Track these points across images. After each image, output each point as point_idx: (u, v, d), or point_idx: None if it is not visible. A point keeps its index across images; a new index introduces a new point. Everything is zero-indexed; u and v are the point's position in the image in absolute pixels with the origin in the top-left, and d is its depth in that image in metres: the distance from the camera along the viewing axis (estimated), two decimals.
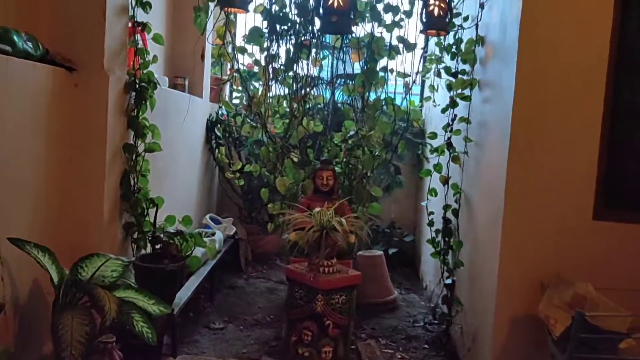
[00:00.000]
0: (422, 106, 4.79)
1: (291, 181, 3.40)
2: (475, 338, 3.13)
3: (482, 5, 3.31)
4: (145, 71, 3.08)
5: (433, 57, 3.73)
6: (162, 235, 3.22)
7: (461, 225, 3.53)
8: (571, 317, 2.38)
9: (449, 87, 3.67)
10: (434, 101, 3.72)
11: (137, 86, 3.05)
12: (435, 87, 3.82)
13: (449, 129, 3.70)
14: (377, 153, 3.39)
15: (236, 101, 5.73)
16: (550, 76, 2.68)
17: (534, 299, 2.68)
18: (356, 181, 3.47)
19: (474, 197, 3.41)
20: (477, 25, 3.38)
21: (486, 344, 2.91)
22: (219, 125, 5.10)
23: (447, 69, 3.65)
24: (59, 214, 2.73)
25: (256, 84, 5.41)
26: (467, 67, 3.66)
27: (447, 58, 3.73)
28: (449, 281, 3.50)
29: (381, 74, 3.31)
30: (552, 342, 2.50)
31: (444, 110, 3.72)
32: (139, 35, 3.13)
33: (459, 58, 3.64)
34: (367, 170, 3.43)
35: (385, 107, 3.36)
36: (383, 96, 3.36)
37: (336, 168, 3.49)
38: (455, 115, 3.68)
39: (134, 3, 3.06)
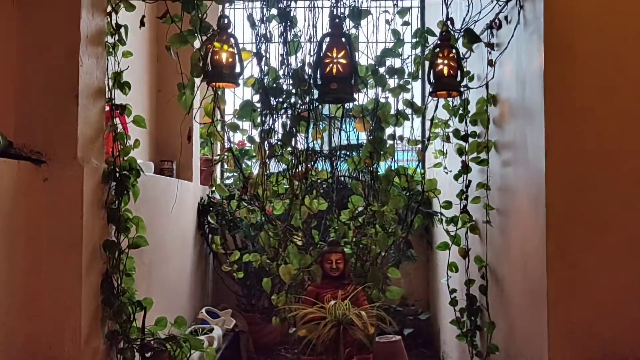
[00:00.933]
0: (424, 173, 4.48)
1: (296, 268, 3.01)
2: None
3: (490, 63, 3.05)
4: (125, 158, 2.75)
5: (437, 120, 3.44)
6: (152, 342, 2.79)
7: (491, 303, 3.13)
8: None
9: (460, 151, 3.37)
10: (445, 167, 3.40)
11: (118, 175, 2.71)
12: (445, 152, 3.51)
13: (464, 196, 3.38)
14: (391, 230, 3.03)
15: (229, 181, 5.41)
16: (584, 133, 2.39)
17: None
18: (369, 263, 3.08)
19: (502, 271, 3.03)
20: (487, 84, 3.11)
21: None
22: (211, 210, 4.74)
23: (456, 132, 3.36)
24: (27, 333, 2.32)
25: (249, 163, 5.14)
26: (477, 129, 3.38)
27: (454, 121, 3.44)
28: None
29: (389, 142, 3.00)
30: None
31: (457, 177, 3.40)
32: (117, 119, 2.82)
33: (467, 120, 3.36)
34: (381, 250, 3.06)
35: (396, 178, 3.03)
36: (393, 166, 3.03)
37: (345, 249, 3.11)
38: (470, 182, 3.36)
39: (111, 84, 2.76)
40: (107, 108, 2.78)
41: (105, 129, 2.73)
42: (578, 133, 2.38)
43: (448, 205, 3.43)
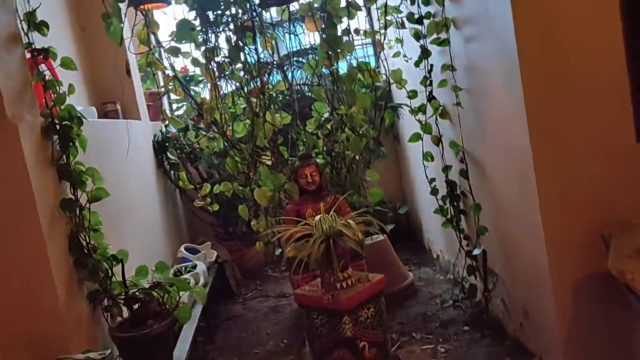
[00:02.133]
0: (379, 66, 4.29)
1: (271, 189, 2.86)
2: (528, 311, 2.69)
3: None
4: (62, 107, 2.47)
5: (382, 8, 3.20)
6: (137, 294, 2.66)
7: (473, 186, 3.07)
8: None
9: (417, 35, 3.18)
10: (404, 55, 3.21)
11: (59, 127, 2.44)
12: (401, 40, 3.31)
13: (428, 82, 3.22)
14: (362, 131, 2.87)
15: (179, 112, 5.13)
16: None
17: (594, 253, 2.26)
18: (345, 169, 2.94)
19: (481, 152, 2.95)
20: None
21: (546, 316, 2.48)
22: (167, 145, 4.49)
23: (410, 16, 3.15)
24: (1, 313, 2.14)
25: (197, 89, 4.83)
26: (431, 9, 3.17)
27: (406, 5, 3.21)
28: (476, 251, 3.04)
29: (345, 38, 2.77)
30: (638, 300, 2.07)
31: (417, 63, 3.22)
32: (43, 65, 2.51)
33: (419, 1, 3.15)
34: (355, 153, 2.91)
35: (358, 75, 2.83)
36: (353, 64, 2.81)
37: (318, 160, 2.96)
38: (432, 66, 3.20)
39: (25, 27, 2.43)
40: (28, 55, 2.46)
41: (32, 78, 2.43)
42: None
43: (414, 94, 3.28)
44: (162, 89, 4.30)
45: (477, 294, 3.38)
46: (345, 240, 2.35)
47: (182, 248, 4.07)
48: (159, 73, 4.61)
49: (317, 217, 2.40)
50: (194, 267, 3.78)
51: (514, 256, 2.76)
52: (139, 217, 3.60)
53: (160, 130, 4.59)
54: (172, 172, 4.61)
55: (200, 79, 4.62)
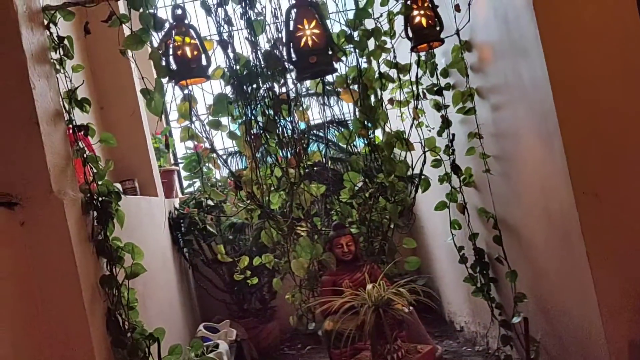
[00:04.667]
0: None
1: (308, 260, 2.81)
2: None
3: (457, 8, 2.93)
4: (101, 182, 2.46)
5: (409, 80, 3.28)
6: None
7: (507, 252, 3.05)
8: None
9: (437, 106, 3.26)
10: (427, 125, 3.28)
11: (97, 203, 2.41)
12: (423, 111, 3.38)
13: (450, 150, 3.27)
14: (398, 199, 2.87)
15: (190, 189, 5.12)
16: (585, 60, 2.30)
17: None
18: (381, 238, 2.92)
19: (514, 217, 2.95)
20: (458, 30, 2.99)
21: None
22: (181, 222, 4.45)
23: (430, 89, 3.24)
24: None
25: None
26: (450, 80, 3.27)
27: (426, 76, 3.31)
28: (516, 319, 2.98)
29: (379, 108, 2.83)
30: None
31: (440, 132, 3.28)
32: (82, 141, 2.52)
33: (437, 73, 3.25)
34: (394, 221, 2.90)
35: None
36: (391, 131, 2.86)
37: (352, 229, 2.94)
38: (454, 135, 3.26)
39: (67, 104, 2.45)
40: (69, 131, 2.47)
41: (72, 154, 2.43)
42: (581, 60, 2.29)
43: (438, 163, 3.31)
44: (170, 166, 4.32)
45: None
46: (396, 309, 2.30)
47: (201, 327, 3.95)
48: (170, 151, 4.70)
49: (369, 286, 2.35)
50: (216, 346, 3.64)
51: (559, 322, 2.71)
52: (161, 296, 3.51)
53: (175, 208, 4.56)
54: (184, 249, 4.55)
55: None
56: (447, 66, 3.13)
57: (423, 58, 3.22)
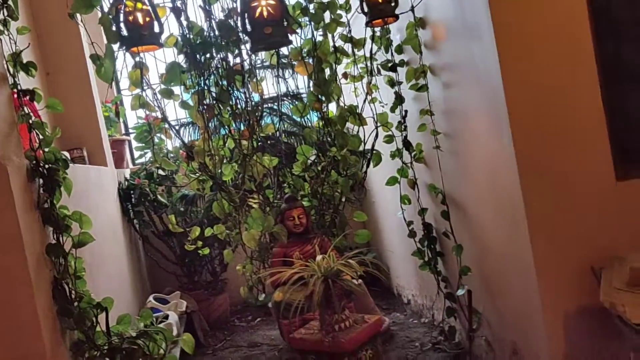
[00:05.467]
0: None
1: (259, 232, 2.83)
2: (517, 349, 2.73)
3: None
4: (48, 149, 2.40)
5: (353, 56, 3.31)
6: (121, 343, 2.53)
7: (455, 227, 3.14)
8: None
9: (391, 82, 3.30)
10: (380, 101, 3.31)
11: (44, 170, 2.36)
12: (376, 86, 3.41)
13: (403, 127, 3.32)
14: (350, 173, 2.91)
15: (141, 160, 5.04)
16: (534, 43, 2.36)
17: (585, 287, 2.35)
18: (332, 210, 2.96)
19: (462, 194, 3.04)
20: (412, 7, 3.01)
21: (538, 352, 2.52)
22: (131, 193, 4.39)
23: (385, 64, 3.27)
24: None
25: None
26: (405, 57, 3.31)
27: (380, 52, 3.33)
28: (460, 291, 3.08)
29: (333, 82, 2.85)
30: (631, 332, 2.16)
31: (393, 109, 3.33)
32: (27, 106, 2.44)
33: (392, 49, 3.28)
34: (345, 194, 2.94)
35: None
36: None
37: (304, 203, 2.97)
38: (406, 111, 3.31)
39: (12, 68, 2.36)
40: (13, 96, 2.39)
41: (17, 119, 2.35)
42: (531, 43, 2.35)
43: (390, 139, 3.36)
44: (127, 137, 4.23)
45: (456, 335, 3.41)
46: (345, 280, 2.35)
47: (151, 298, 3.93)
48: (121, 121, 4.61)
49: (319, 257, 2.39)
50: (166, 317, 3.64)
51: (500, 295, 2.82)
52: (110, 266, 3.47)
53: (125, 179, 4.49)
54: (135, 220, 4.50)
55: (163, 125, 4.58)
56: (401, 42, 3.16)
57: (378, 34, 3.25)
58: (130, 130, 5.08)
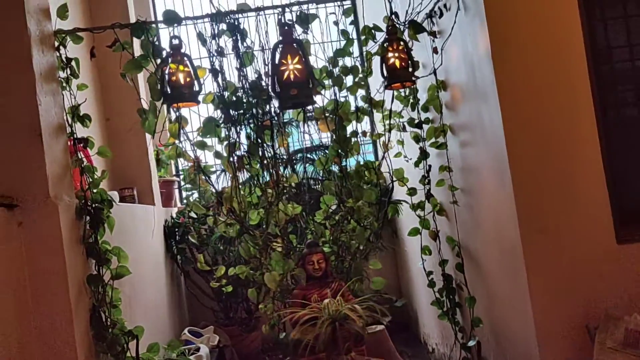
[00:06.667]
0: (380, 164, 4.60)
1: (280, 274, 3.06)
2: None
3: (435, 50, 3.19)
4: (96, 190, 2.73)
5: (386, 113, 3.54)
6: None
7: (468, 279, 3.27)
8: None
9: (417, 138, 3.50)
10: (405, 156, 3.52)
11: (91, 209, 2.68)
12: (402, 142, 3.63)
13: (426, 181, 3.50)
14: (366, 223, 3.11)
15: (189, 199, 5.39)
16: (535, 105, 2.55)
17: (581, 343, 2.45)
18: (350, 258, 3.16)
19: (475, 247, 3.18)
20: (434, 71, 3.24)
21: None
22: (176, 231, 4.72)
23: (411, 121, 3.48)
24: None
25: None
26: (430, 115, 3.51)
27: (407, 110, 3.56)
28: (471, 343, 3.19)
29: (353, 139, 3.09)
30: None
31: (417, 164, 3.52)
32: (81, 152, 2.79)
33: (419, 108, 3.49)
34: (361, 243, 3.14)
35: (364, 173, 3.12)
36: (359, 162, 3.12)
37: (325, 248, 3.18)
38: (430, 166, 3.50)
39: (70, 119, 2.73)
40: (69, 143, 2.75)
41: (71, 164, 2.70)
42: (532, 108, 2.53)
43: (413, 191, 3.55)
44: (176, 178, 4.56)
45: None
46: (350, 323, 2.53)
47: (186, 331, 4.18)
48: (172, 164, 4.98)
49: (325, 301, 2.59)
50: (197, 349, 3.87)
51: (506, 347, 2.92)
52: (148, 298, 3.76)
53: (172, 217, 4.83)
54: (178, 256, 4.81)
55: (212, 169, 4.92)
56: (423, 103, 3.37)
57: (406, 93, 3.48)
58: (180, 173, 5.46)
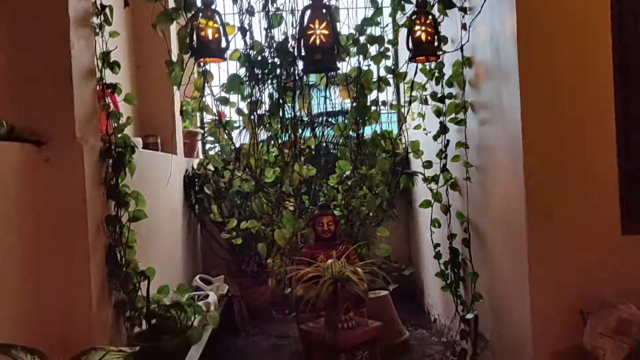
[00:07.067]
0: (400, 135, 4.64)
1: (290, 232, 3.16)
2: None
3: (464, 27, 3.19)
4: (120, 135, 2.84)
5: (409, 84, 3.56)
6: (157, 309, 2.94)
7: (473, 255, 3.34)
8: (625, 347, 2.20)
9: (438, 112, 3.53)
10: (424, 129, 3.56)
11: (114, 152, 2.80)
12: (423, 115, 3.66)
13: (443, 155, 3.55)
14: (378, 191, 3.19)
15: (211, 152, 5.50)
16: (555, 91, 2.56)
17: (574, 328, 2.51)
18: (358, 223, 3.25)
19: (484, 224, 3.23)
20: (461, 47, 3.25)
21: None
22: (196, 181, 4.85)
23: (433, 95, 3.51)
24: (42, 308, 2.42)
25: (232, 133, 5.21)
26: (453, 91, 3.53)
27: (431, 84, 3.58)
28: (469, 315, 3.28)
29: (373, 108, 3.14)
30: None
31: (435, 137, 3.56)
32: (108, 98, 2.89)
33: (443, 82, 3.51)
34: (370, 210, 3.22)
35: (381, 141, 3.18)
36: (377, 131, 3.17)
37: (335, 212, 3.27)
38: (448, 141, 3.53)
39: (100, 65, 2.82)
40: (99, 88, 2.84)
41: (99, 108, 2.80)
42: (551, 92, 2.55)
43: (429, 164, 3.60)
44: (200, 130, 4.66)
45: (466, 357, 3.59)
46: (352, 285, 2.63)
47: (197, 278, 4.35)
48: (197, 116, 5.08)
49: (329, 261, 2.69)
50: (206, 296, 4.03)
51: (503, 324, 3.00)
52: (163, 243, 3.91)
53: (192, 167, 4.95)
54: (196, 206, 4.95)
55: (234, 125, 5.01)
56: (447, 78, 3.39)
57: (431, 67, 3.50)
58: (205, 125, 5.56)
